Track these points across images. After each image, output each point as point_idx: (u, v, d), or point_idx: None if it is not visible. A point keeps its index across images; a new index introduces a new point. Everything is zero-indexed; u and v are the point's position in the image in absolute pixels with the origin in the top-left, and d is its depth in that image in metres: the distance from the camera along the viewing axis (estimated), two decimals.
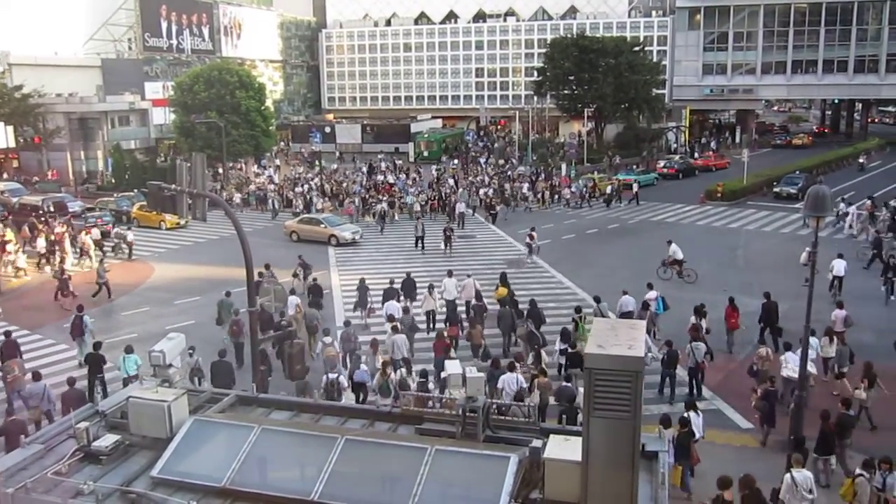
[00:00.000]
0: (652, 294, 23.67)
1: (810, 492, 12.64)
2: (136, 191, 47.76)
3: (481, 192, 48.40)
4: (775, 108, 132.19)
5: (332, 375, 17.81)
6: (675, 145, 78.77)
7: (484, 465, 8.19)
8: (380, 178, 56.77)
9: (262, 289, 21.09)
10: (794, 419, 15.53)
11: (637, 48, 72.79)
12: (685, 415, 14.93)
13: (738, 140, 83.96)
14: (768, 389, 16.83)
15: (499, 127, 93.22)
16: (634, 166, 62.44)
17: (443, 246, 35.67)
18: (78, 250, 35.34)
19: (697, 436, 14.93)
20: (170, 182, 16.82)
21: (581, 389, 11.10)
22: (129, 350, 19.11)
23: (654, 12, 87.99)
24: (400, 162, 68.93)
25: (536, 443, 8.39)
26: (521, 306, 23.70)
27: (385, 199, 45.96)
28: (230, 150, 56.48)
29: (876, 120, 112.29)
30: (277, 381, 18.57)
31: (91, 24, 75.34)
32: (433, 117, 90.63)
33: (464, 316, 23.89)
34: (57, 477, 8.36)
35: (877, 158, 70.45)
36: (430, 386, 17.01)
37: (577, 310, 22.21)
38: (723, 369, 20.78)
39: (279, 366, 19.16)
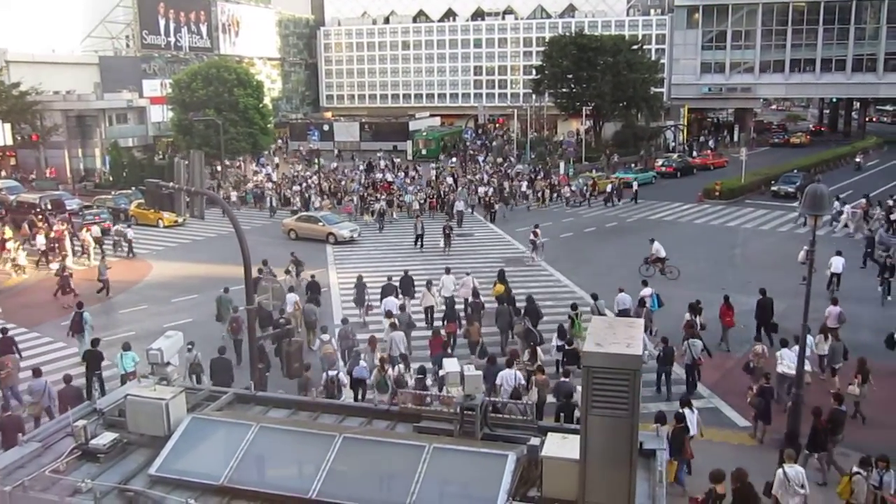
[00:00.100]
0: (647, 291, 23.80)
1: (802, 486, 12.75)
2: (133, 189, 47.70)
3: (480, 190, 48.38)
4: (773, 106, 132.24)
5: (331, 372, 17.86)
6: (673, 144, 78.79)
7: (482, 463, 8.19)
8: (378, 176, 56.73)
9: (260, 287, 21.08)
10: (791, 417, 15.60)
11: (635, 47, 72.80)
12: (680, 411, 15.01)
13: (736, 139, 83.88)
14: (763, 386, 16.90)
15: (497, 125, 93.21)
16: (632, 165, 62.47)
17: (442, 244, 35.69)
18: (80, 248, 35.33)
19: (692, 432, 15.01)
20: (168, 180, 16.81)
21: (579, 388, 11.10)
22: (126, 347, 19.14)
23: (652, 11, 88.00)
24: (398, 160, 68.91)
25: (534, 441, 8.40)
26: (518, 304, 23.75)
27: (383, 197, 45.96)
28: (228, 148, 56.42)
29: (874, 119, 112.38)
30: (276, 379, 18.58)
31: (89, 21, 75.19)
32: (431, 115, 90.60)
33: (462, 313, 23.91)
34: (55, 475, 8.35)
35: (874, 157, 70.54)
36: (428, 382, 17.03)
37: (574, 307, 22.34)
38: (720, 367, 20.81)
39: (277, 363, 19.17)
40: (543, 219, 42.67)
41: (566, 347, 19.59)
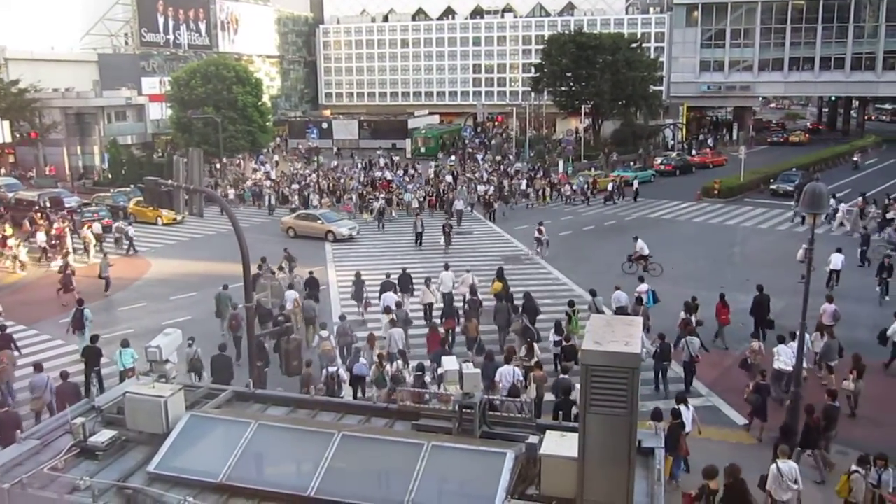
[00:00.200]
0: (643, 287, 23.89)
1: (795, 482, 12.89)
2: (132, 186, 47.68)
3: (479, 188, 48.35)
4: (772, 105, 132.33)
5: (331, 369, 17.90)
6: (672, 142, 78.82)
7: (480, 461, 8.20)
8: (377, 174, 56.68)
9: (259, 284, 21.10)
10: (789, 414, 15.65)
11: (634, 45, 72.76)
12: (676, 407, 15.06)
13: (735, 137, 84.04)
14: (759, 383, 16.97)
15: (496, 123, 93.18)
16: (631, 163, 62.47)
17: (442, 242, 35.67)
18: (81, 245, 35.35)
19: (688, 428, 15.08)
20: (166, 178, 16.82)
21: (578, 386, 11.11)
22: (125, 344, 19.17)
23: (651, 9, 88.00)
24: (397, 158, 68.91)
25: (533, 439, 8.40)
26: (516, 301, 23.81)
27: (383, 195, 45.92)
28: (227, 146, 56.40)
29: (872, 117, 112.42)
30: (275, 376, 18.58)
31: (88, 19, 75.07)
32: (430, 113, 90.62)
33: (461, 310, 23.94)
34: (53, 472, 8.35)
35: (873, 156, 70.55)
36: (427, 379, 17.04)
37: (570, 304, 22.44)
38: (718, 366, 20.84)
39: (277, 359, 19.18)
40: (543, 217, 42.59)
41: (563, 343, 19.68)
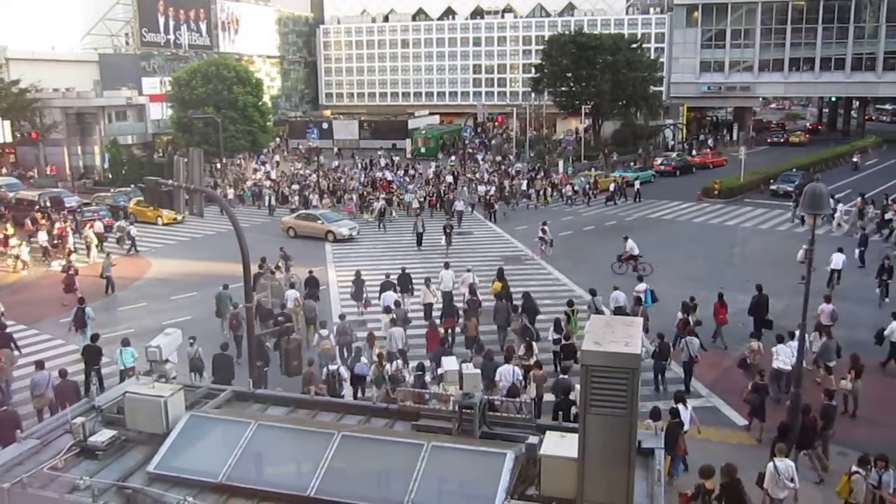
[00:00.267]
0: (641, 287, 23.95)
1: (791, 480, 12.99)
2: (132, 186, 47.69)
3: (480, 189, 48.33)
4: (773, 105, 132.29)
5: (332, 367, 17.91)
6: (672, 142, 78.83)
7: (480, 461, 8.20)
8: (378, 174, 56.66)
9: (259, 285, 21.12)
10: (789, 414, 15.66)
11: (635, 45, 72.74)
12: (674, 406, 15.07)
13: (735, 137, 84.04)
14: (757, 383, 17.01)
15: (496, 124, 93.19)
16: (631, 163, 62.48)
17: (444, 242, 35.67)
18: (83, 244, 35.40)
19: (686, 427, 15.13)
20: (167, 177, 16.83)
21: (577, 387, 11.12)
22: (125, 343, 19.21)
23: (651, 9, 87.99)
24: (397, 158, 68.93)
25: (533, 439, 8.40)
26: (515, 301, 23.86)
27: (383, 196, 45.89)
28: (227, 146, 56.42)
29: (873, 118, 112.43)
30: (276, 376, 18.58)
31: (88, 19, 75.10)
32: (430, 114, 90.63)
33: (461, 310, 23.97)
34: (53, 472, 8.35)
35: (873, 156, 70.53)
36: (427, 379, 17.05)
37: (570, 303, 22.49)
38: (718, 366, 20.84)
39: (277, 359, 19.20)
40: (543, 218, 42.63)
41: (562, 342, 19.72)
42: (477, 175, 55.39)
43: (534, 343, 19.75)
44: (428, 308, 24.51)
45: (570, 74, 69.51)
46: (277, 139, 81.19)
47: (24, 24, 68.40)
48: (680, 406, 15.22)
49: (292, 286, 24.60)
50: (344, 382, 17.99)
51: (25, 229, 36.92)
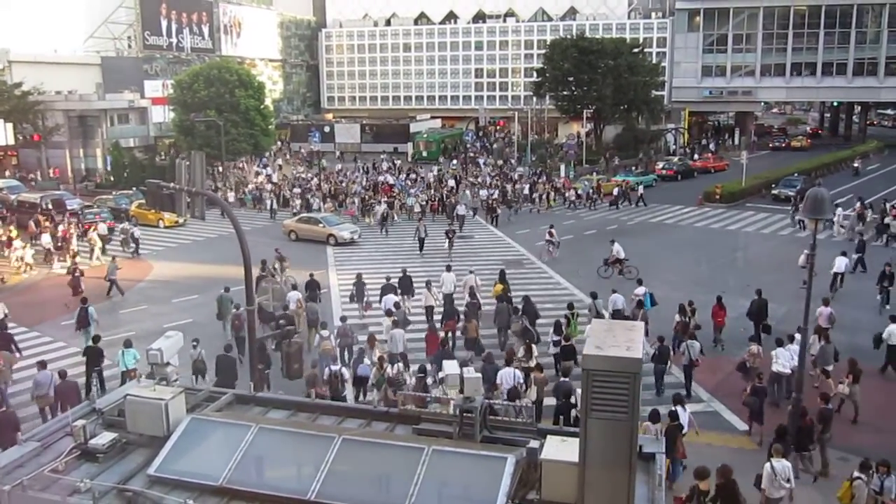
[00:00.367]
0: (640, 290, 24.01)
1: (788, 480, 13.15)
2: (134, 189, 47.74)
3: (482, 193, 48.34)
4: (774, 110, 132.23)
5: (334, 367, 17.92)
6: (673, 147, 78.81)
7: (481, 465, 8.18)
8: (380, 178, 56.64)
9: (260, 288, 21.16)
10: (791, 419, 15.68)
11: (636, 50, 72.78)
12: (673, 409, 15.08)
13: (736, 142, 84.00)
14: (756, 386, 17.04)
15: (498, 127, 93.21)
16: (633, 168, 62.48)
17: (446, 246, 35.67)
18: (88, 246, 35.48)
19: (685, 430, 15.13)
20: (169, 180, 16.84)
21: (578, 391, 11.12)
22: (128, 344, 19.28)
23: (653, 14, 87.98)
24: (399, 162, 68.94)
25: (534, 443, 8.38)
26: (514, 304, 23.95)
27: (385, 199, 45.86)
28: (229, 149, 56.42)
29: (875, 123, 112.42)
30: (278, 378, 18.59)
31: (91, 21, 75.26)
32: (432, 117, 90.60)
33: (462, 312, 24.02)
34: (54, 475, 8.35)
35: (875, 161, 70.49)
36: (429, 381, 17.06)
37: (570, 306, 22.56)
38: (719, 371, 20.82)
39: (280, 361, 19.22)
40: (546, 221, 42.67)
41: (562, 343, 19.76)
42: (479, 179, 55.39)
43: (533, 346, 19.79)
44: (429, 311, 24.55)
45: (571, 79, 69.54)
46: (279, 142, 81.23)
47: (27, 26, 68.64)
48: (679, 408, 15.25)
49: (294, 288, 24.67)
50: (346, 383, 18.03)
51: (29, 231, 37.02)
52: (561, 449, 8.02)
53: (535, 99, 76.10)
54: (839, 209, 39.09)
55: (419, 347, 21.23)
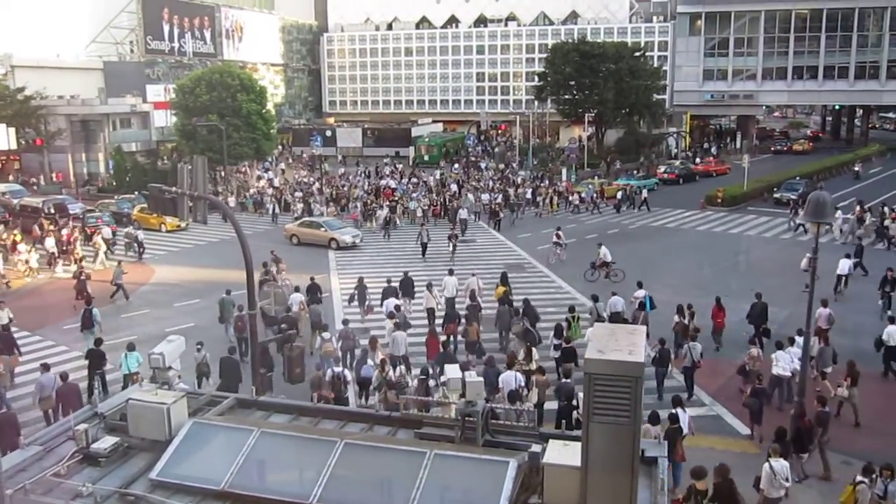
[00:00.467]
0: (640, 293, 24.01)
1: (787, 480, 13.28)
2: (136, 193, 47.79)
3: (484, 197, 48.34)
4: (776, 113, 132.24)
5: (336, 369, 17.93)
6: (675, 150, 78.81)
7: (483, 469, 8.18)
8: (382, 182, 56.62)
9: (261, 292, 21.17)
10: (793, 422, 15.71)
11: (638, 53, 72.79)
12: (673, 411, 15.08)
13: (738, 145, 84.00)
14: (756, 387, 17.07)
15: (499, 131, 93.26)
16: (635, 171, 62.48)
17: (450, 249, 35.63)
18: (93, 250, 35.57)
19: (685, 431, 15.13)
20: (171, 185, 16.86)
21: (581, 394, 11.11)
22: (131, 347, 19.32)
23: (654, 18, 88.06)
24: (401, 166, 69.00)
25: (536, 447, 8.37)
26: (515, 305, 23.99)
27: (387, 204, 45.84)
28: (231, 153, 56.48)
29: (876, 126, 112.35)
30: (281, 380, 18.58)
31: (93, 26, 75.39)
32: (434, 121, 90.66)
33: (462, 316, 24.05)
34: (56, 478, 8.36)
35: (877, 165, 70.42)
36: (431, 384, 17.07)
37: (571, 309, 22.62)
38: (722, 374, 20.79)
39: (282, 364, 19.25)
40: (547, 226, 42.74)
41: (563, 346, 19.79)
42: (481, 183, 55.40)
43: (534, 348, 19.81)
44: (430, 313, 24.58)
45: (573, 83, 69.56)
46: (280, 147, 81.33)
47: (30, 31, 68.67)
48: (678, 410, 15.24)
49: (297, 290, 24.74)
50: (348, 385, 18.04)
51: (33, 235, 37.10)
52: (563, 453, 8.00)
53: (536, 103, 76.15)
54: (839, 213, 39.08)
55: (420, 352, 21.22)
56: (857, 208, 39.82)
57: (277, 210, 47.62)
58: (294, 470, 8.84)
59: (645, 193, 50.00)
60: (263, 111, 60.95)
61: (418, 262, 34.89)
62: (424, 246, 36.01)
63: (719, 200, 48.95)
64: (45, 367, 17.95)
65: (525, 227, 43.47)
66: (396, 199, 48.42)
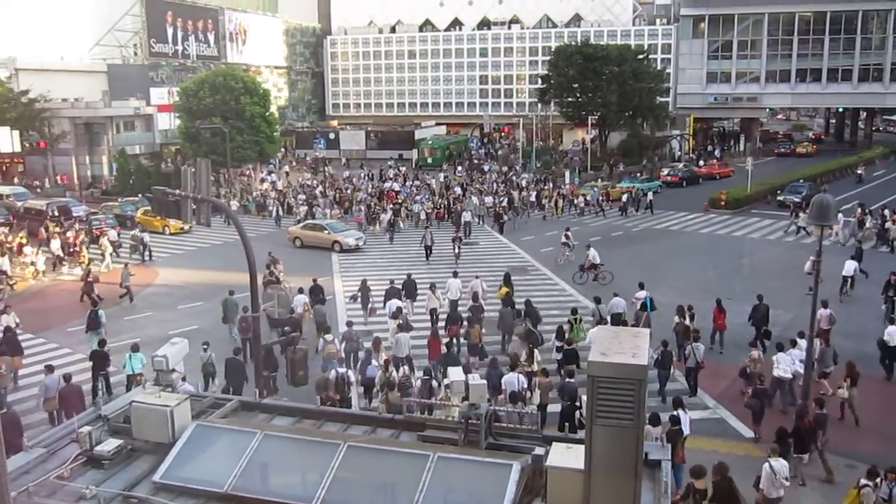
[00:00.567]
0: (641, 294, 24.04)
1: (786, 479, 13.35)
2: (140, 196, 47.89)
3: (487, 200, 48.31)
4: (780, 116, 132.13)
5: (340, 370, 17.94)
6: (679, 153, 78.78)
7: (486, 472, 8.17)
8: (386, 185, 56.63)
9: (264, 294, 21.20)
10: (794, 424, 15.70)
11: (641, 56, 72.86)
12: (675, 413, 15.06)
13: (742, 148, 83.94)
14: (758, 388, 17.09)
15: (503, 134, 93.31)
16: (638, 174, 62.45)
17: (456, 251, 35.63)
18: (100, 252, 35.65)
19: (686, 432, 15.12)
20: (174, 187, 16.89)
21: (584, 397, 11.09)
22: (135, 349, 19.40)
23: (658, 20, 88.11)
24: (404, 169, 69.07)
25: (539, 450, 8.37)
26: (516, 307, 24.00)
27: (390, 206, 45.85)
28: (234, 156, 56.60)
29: (880, 128, 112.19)
30: (285, 383, 18.61)
31: (97, 29, 75.66)
32: (437, 124, 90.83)
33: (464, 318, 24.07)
34: (59, 481, 8.37)
35: (881, 167, 70.30)
36: (434, 384, 17.07)
37: (574, 311, 22.64)
38: (725, 377, 20.74)
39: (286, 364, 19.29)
40: (550, 228, 42.78)
41: (565, 347, 19.80)
42: (484, 186, 55.38)
43: (535, 350, 19.83)
44: (433, 313, 24.59)
45: (576, 85, 69.64)
46: (283, 149, 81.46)
47: (34, 34, 68.93)
48: (680, 412, 15.23)
49: (301, 291, 24.77)
50: (351, 386, 18.06)
51: (39, 238, 37.20)
52: (566, 456, 7.98)
53: (539, 105, 76.20)
54: (840, 215, 38.99)
55: (423, 354, 21.21)
56: (859, 211, 39.75)
57: (281, 213, 47.66)
58: (297, 473, 8.84)
59: (650, 196, 49.95)
60: (267, 114, 61.10)
61: (422, 264, 34.89)
62: (428, 249, 36.02)
63: (723, 203, 48.90)
64: (50, 369, 18.05)
65: (528, 229, 43.46)
66: (400, 202, 48.45)
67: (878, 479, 13.08)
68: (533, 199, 50.08)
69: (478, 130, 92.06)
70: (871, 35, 76.53)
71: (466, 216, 42.40)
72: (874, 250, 35.86)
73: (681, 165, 67.33)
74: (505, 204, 46.29)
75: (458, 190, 52.65)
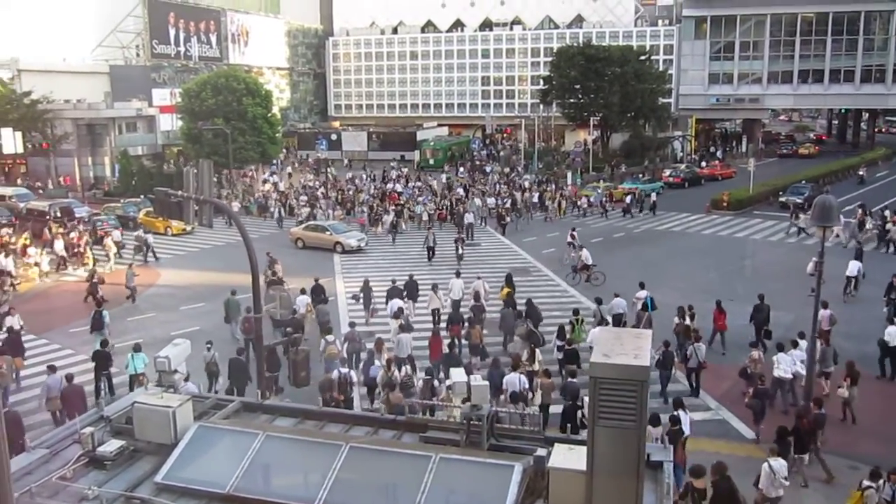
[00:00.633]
0: (642, 294, 24.05)
1: (785, 479, 13.39)
2: (142, 197, 47.96)
3: (489, 201, 48.28)
4: (782, 117, 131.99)
5: (343, 370, 17.95)
6: (681, 154, 78.74)
7: (488, 473, 8.18)
8: (388, 186, 56.63)
9: (267, 296, 21.20)
10: (794, 424, 15.71)
11: (643, 57, 72.84)
12: (675, 413, 15.05)
13: (744, 149, 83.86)
14: (758, 388, 17.11)
15: (505, 135, 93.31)
16: (640, 175, 62.41)
17: (459, 251, 35.63)
18: (104, 253, 35.70)
19: (686, 433, 15.12)
20: (176, 188, 16.93)
21: (586, 398, 11.09)
22: (137, 349, 19.43)
23: (660, 21, 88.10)
24: (406, 170, 69.08)
25: (541, 451, 8.37)
26: (518, 307, 24.07)
27: (392, 208, 45.84)
28: (237, 157, 56.65)
29: (883, 130, 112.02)
30: (287, 383, 18.63)
31: (100, 30, 75.79)
32: (439, 125, 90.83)
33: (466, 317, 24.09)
34: (62, 482, 8.38)
35: (883, 169, 70.15)
36: (436, 384, 17.07)
37: (575, 312, 22.65)
38: (727, 378, 20.71)
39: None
40: (553, 230, 42.77)
41: (566, 348, 19.81)
42: (487, 187, 55.36)
43: (537, 350, 19.84)
44: (434, 313, 24.60)
45: (578, 86, 69.61)
46: (285, 150, 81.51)
47: (36, 35, 69.04)
48: (680, 412, 15.23)
49: (303, 292, 24.79)
50: (353, 386, 18.08)
51: (43, 239, 37.27)
52: (568, 457, 7.99)
53: (541, 106, 76.23)
54: (841, 216, 38.93)
55: (424, 355, 21.21)
56: (859, 212, 39.72)
57: (283, 214, 47.68)
58: (299, 473, 8.85)
59: (654, 197, 49.91)
60: (269, 115, 61.15)
61: (424, 265, 34.89)
62: (431, 250, 36.00)
63: (725, 204, 48.85)
64: (52, 369, 18.10)
65: (531, 231, 43.44)
66: (402, 203, 48.45)
67: (881, 481, 13.06)
68: (535, 200, 50.03)
69: (480, 131, 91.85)
70: (873, 36, 76.44)
71: (469, 217, 42.34)
72: (875, 252, 35.79)
73: (683, 166, 67.26)
74: (508, 205, 46.26)
75: (461, 191, 52.61)
